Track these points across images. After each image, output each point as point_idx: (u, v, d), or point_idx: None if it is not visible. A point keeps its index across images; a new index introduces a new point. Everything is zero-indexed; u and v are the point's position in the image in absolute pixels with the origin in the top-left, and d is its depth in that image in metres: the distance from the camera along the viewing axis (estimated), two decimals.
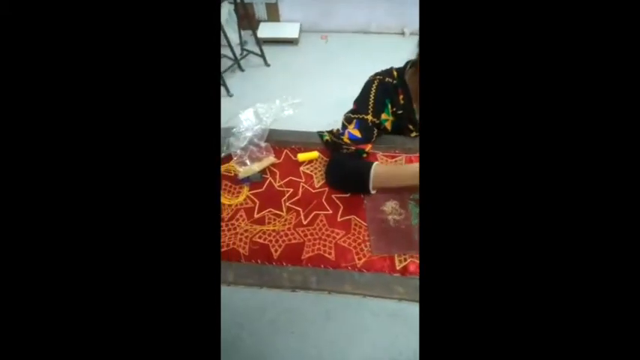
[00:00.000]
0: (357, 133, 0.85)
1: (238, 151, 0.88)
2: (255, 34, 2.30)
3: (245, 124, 0.93)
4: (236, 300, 1.22)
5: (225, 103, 2.15)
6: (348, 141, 0.85)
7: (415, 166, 0.78)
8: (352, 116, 0.87)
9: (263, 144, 0.90)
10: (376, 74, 0.93)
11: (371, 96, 0.88)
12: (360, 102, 0.89)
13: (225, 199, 0.84)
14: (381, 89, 0.89)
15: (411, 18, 2.67)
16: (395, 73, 0.92)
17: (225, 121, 0.99)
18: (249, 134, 0.89)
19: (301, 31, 2.77)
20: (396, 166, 0.89)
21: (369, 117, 0.86)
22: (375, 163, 0.82)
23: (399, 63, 0.97)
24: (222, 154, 0.91)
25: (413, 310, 0.84)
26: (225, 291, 0.70)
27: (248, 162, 0.88)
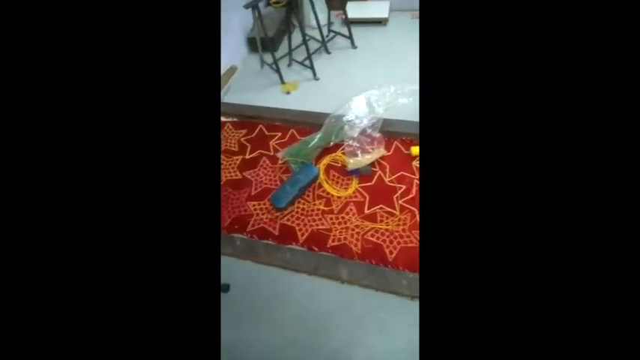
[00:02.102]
0: None
1: (350, 142, 0.83)
2: (345, 15, 2.21)
3: (356, 111, 0.87)
4: (322, 293, 1.22)
5: (312, 86, 2.13)
6: None
7: None
8: None
9: (376, 134, 0.84)
10: None
11: None
12: None
13: (334, 191, 0.80)
14: None
15: None
16: None
17: (317, 106, 0.95)
18: (362, 124, 0.84)
19: (391, 10, 2.59)
20: None
21: None
22: None
23: None
24: (331, 143, 0.87)
25: None
26: (332, 286, 0.67)
27: (359, 153, 0.82)
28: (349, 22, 2.30)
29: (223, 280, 1.34)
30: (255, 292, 1.31)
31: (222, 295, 1.33)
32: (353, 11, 2.46)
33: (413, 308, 1.10)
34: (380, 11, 2.55)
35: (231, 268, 1.30)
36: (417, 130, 0.89)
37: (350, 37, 2.32)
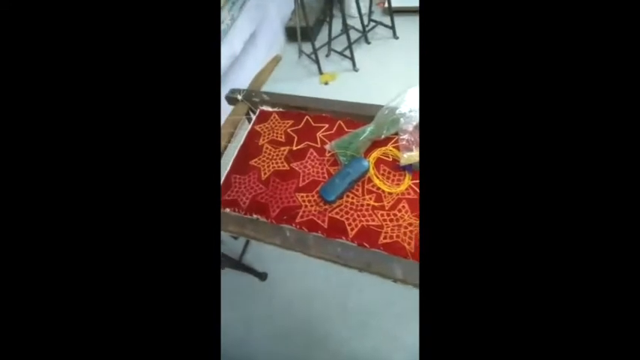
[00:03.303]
0: None
1: (405, 135, 0.79)
2: (389, 3, 2.13)
3: (410, 104, 0.83)
4: (365, 287, 1.21)
5: (351, 77, 2.08)
6: None
7: None
8: None
9: None
10: None
11: None
12: None
13: (385, 186, 0.78)
14: None
15: None
16: None
17: (357, 97, 0.91)
18: (415, 122, 0.80)
19: None
20: None
21: None
22: None
23: None
24: (383, 136, 0.84)
25: None
26: (385, 286, 0.65)
27: (414, 147, 0.79)
28: (392, 11, 2.22)
29: (263, 269, 1.37)
30: (296, 284, 1.32)
31: (259, 283, 1.35)
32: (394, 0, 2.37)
33: None
34: None
35: (277, 258, 1.32)
36: None
37: (392, 27, 2.24)
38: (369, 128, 0.83)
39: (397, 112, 0.83)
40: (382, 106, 0.85)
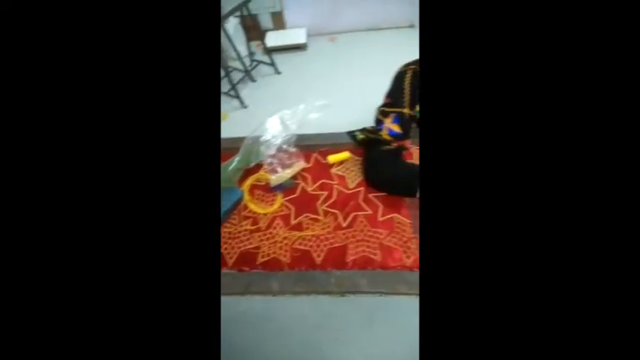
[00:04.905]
0: (396, 128, 0.82)
1: (269, 159, 0.86)
2: (264, 44, 2.31)
3: (271, 131, 0.91)
4: (273, 308, 1.20)
5: (241, 114, 2.16)
6: (388, 137, 0.81)
7: None
8: (389, 110, 0.84)
9: (292, 149, 0.89)
10: (407, 65, 0.89)
11: (405, 87, 0.85)
12: (394, 95, 0.86)
13: (260, 209, 0.82)
14: (416, 80, 0.85)
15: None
16: None
17: (248, 132, 0.98)
18: (277, 141, 0.88)
19: (308, 35, 2.76)
20: None
21: (406, 110, 0.83)
22: None
23: (413, 56, 0.93)
24: (252, 164, 0.90)
25: None
26: (270, 301, 0.68)
27: (279, 169, 0.86)
28: (270, 50, 2.40)
29: None
30: None
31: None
32: (272, 40, 2.58)
33: (344, 304, 1.13)
34: (298, 37, 2.70)
35: None
36: (330, 141, 0.96)
37: (272, 64, 2.42)
38: (236, 158, 0.88)
39: (261, 139, 0.90)
40: (246, 137, 0.91)
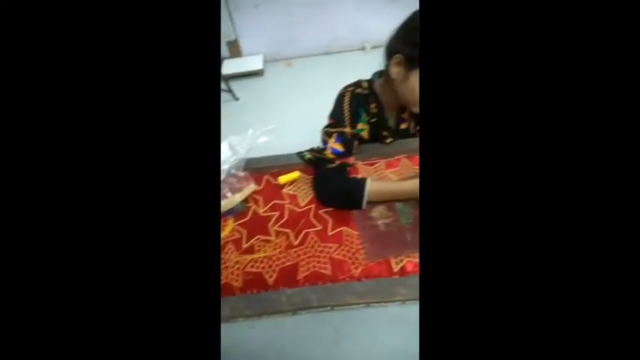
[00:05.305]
0: (339, 147, 0.86)
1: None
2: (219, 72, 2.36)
3: (222, 156, 0.93)
4: (234, 339, 1.17)
5: None
6: (331, 156, 0.85)
7: (410, 184, 0.79)
8: (332, 130, 0.89)
9: (241, 173, 0.90)
10: (346, 87, 0.96)
11: (345, 108, 0.90)
12: (336, 115, 0.91)
13: None
14: (354, 100, 0.92)
15: (371, 32, 2.80)
16: (364, 84, 0.96)
17: None
18: (225, 167, 0.89)
19: (265, 61, 2.84)
20: (389, 182, 0.87)
21: (348, 129, 0.88)
22: (368, 180, 0.81)
23: (363, 76, 1.00)
24: None
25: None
26: (223, 329, 0.67)
27: (229, 194, 0.87)
28: (227, 78, 2.45)
29: None
30: None
31: None
32: (228, 67, 2.63)
33: (294, 321, 1.12)
34: (254, 64, 2.78)
35: None
36: (282, 162, 0.99)
37: (230, 91, 2.46)
38: None
39: None
40: None
